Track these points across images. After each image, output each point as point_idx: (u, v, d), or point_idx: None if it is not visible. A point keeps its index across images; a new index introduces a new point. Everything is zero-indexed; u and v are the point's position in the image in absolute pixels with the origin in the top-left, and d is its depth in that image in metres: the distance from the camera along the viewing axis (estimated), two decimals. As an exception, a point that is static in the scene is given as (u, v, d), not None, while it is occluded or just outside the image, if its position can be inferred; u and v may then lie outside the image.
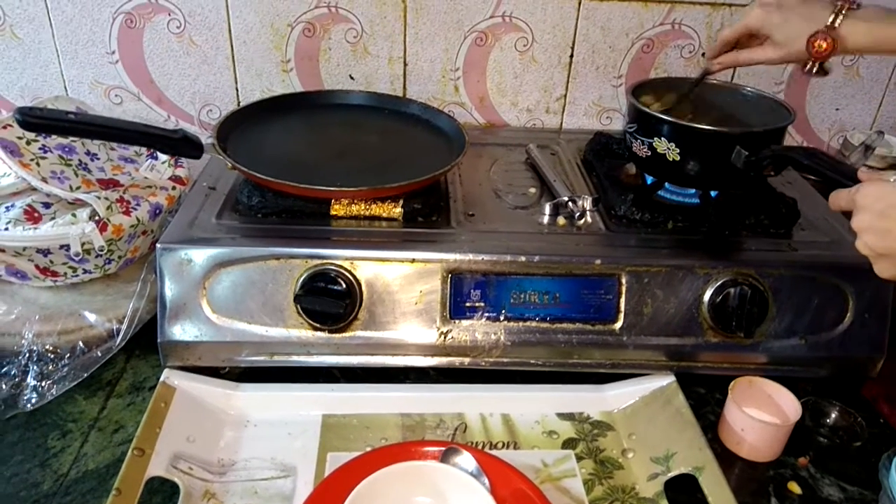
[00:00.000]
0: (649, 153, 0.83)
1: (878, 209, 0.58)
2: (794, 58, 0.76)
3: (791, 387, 0.75)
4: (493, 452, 0.70)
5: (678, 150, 0.80)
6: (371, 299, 0.75)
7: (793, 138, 1.19)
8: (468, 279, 0.76)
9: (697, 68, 1.10)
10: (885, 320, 0.79)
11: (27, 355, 0.77)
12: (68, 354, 0.79)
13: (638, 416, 0.77)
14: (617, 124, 1.15)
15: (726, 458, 0.74)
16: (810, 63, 0.75)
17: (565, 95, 1.12)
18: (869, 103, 1.15)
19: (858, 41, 0.72)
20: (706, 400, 0.82)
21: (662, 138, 0.81)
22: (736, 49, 0.81)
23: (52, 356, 0.78)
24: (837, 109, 1.16)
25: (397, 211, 0.80)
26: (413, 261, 0.75)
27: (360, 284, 0.74)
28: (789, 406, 0.75)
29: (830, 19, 0.71)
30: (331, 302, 0.72)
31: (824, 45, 0.72)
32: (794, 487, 0.71)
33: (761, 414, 0.75)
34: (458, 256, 0.75)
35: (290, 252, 0.73)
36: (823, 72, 0.76)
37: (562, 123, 1.15)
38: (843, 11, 0.71)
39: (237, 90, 1.08)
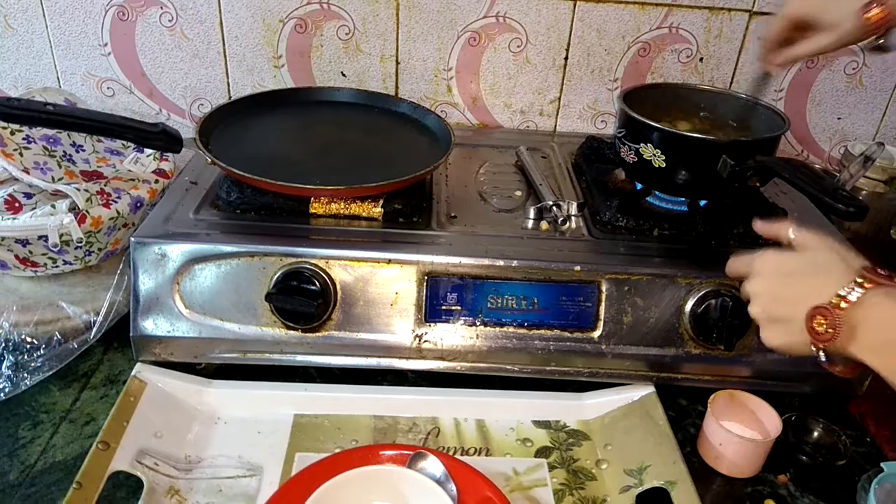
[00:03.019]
0: (636, 159, 0.82)
1: (778, 275, 0.57)
2: (850, 38, 0.70)
3: (776, 402, 0.74)
4: (465, 459, 0.69)
5: (664, 157, 0.79)
6: (345, 300, 0.74)
7: (793, 147, 1.16)
8: (445, 282, 0.74)
9: (695, 73, 1.09)
10: (873, 336, 0.77)
11: (3, 344, 0.77)
12: (44, 345, 0.79)
13: (615, 427, 0.75)
14: (612, 128, 1.13)
15: (704, 473, 0.72)
16: (871, 38, 0.69)
17: (559, 98, 1.11)
18: (872, 113, 1.13)
19: None
20: (687, 412, 0.80)
21: (649, 144, 0.80)
22: (788, 45, 0.76)
23: (29, 346, 0.78)
24: (839, 119, 1.14)
25: (377, 211, 0.79)
26: (389, 262, 0.74)
27: (334, 284, 0.73)
28: (770, 421, 0.73)
29: None
30: (303, 301, 0.71)
31: (878, 13, 0.67)
32: (772, 505, 0.70)
33: (741, 429, 0.74)
34: (434, 258, 0.74)
35: (264, 249, 0.73)
36: (886, 48, 0.71)
37: (555, 126, 1.13)
38: None
39: (228, 85, 1.08)
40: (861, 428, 0.80)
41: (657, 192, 0.86)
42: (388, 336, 0.75)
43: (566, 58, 1.07)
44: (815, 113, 1.13)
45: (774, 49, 0.77)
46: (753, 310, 0.59)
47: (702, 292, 0.74)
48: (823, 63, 1.08)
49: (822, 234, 0.58)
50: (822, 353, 0.54)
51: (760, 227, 0.64)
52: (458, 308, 0.75)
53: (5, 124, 0.83)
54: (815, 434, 0.77)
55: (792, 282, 0.56)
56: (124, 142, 0.95)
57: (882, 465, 0.68)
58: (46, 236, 0.78)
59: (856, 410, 0.82)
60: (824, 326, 0.52)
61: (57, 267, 0.82)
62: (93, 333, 0.80)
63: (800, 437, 0.77)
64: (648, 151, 0.80)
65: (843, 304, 0.51)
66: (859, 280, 0.51)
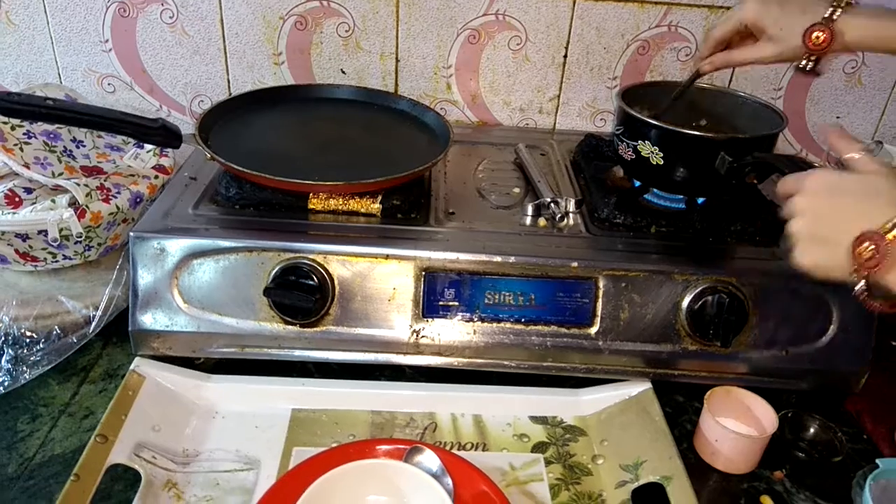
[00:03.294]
0: (634, 156, 0.82)
1: (826, 194, 0.55)
2: (789, 54, 0.74)
3: (773, 398, 0.74)
4: (461, 453, 0.69)
5: (662, 154, 0.79)
6: (343, 295, 0.74)
7: (792, 146, 1.17)
8: (442, 277, 0.75)
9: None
10: (869, 334, 0.78)
11: (2, 338, 0.77)
12: (44, 339, 0.79)
13: (612, 423, 0.76)
14: (611, 126, 1.13)
15: (701, 469, 0.73)
16: (805, 59, 0.73)
17: (559, 96, 1.11)
18: (871, 112, 1.13)
19: (856, 36, 0.70)
20: (684, 408, 0.80)
21: (647, 141, 0.80)
22: (728, 49, 0.79)
23: (28, 340, 0.79)
24: (838, 117, 1.14)
25: (375, 207, 0.79)
26: (387, 257, 0.74)
27: (332, 279, 0.74)
28: (766, 418, 0.73)
29: (829, 12, 0.70)
30: (301, 296, 0.71)
31: (822, 37, 0.70)
32: (767, 501, 0.70)
33: (737, 425, 0.74)
34: (432, 254, 0.74)
35: (262, 245, 0.73)
36: (817, 72, 0.74)
37: (555, 124, 1.14)
38: (843, 5, 0.69)
39: (228, 82, 1.08)
40: (857, 425, 0.80)
41: (655, 190, 0.86)
42: (386, 331, 0.76)
43: (565, 56, 1.08)
44: (814, 112, 1.13)
45: (715, 49, 0.80)
46: (795, 226, 0.57)
47: (698, 289, 0.75)
48: (830, 65, 1.08)
49: (881, 161, 0.56)
50: (862, 282, 0.53)
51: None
52: (456, 304, 0.76)
53: (6, 119, 0.84)
54: (812, 431, 0.77)
55: (842, 203, 0.55)
56: (124, 137, 0.96)
57: (877, 461, 0.68)
58: (46, 231, 0.78)
59: (852, 408, 0.82)
60: (871, 252, 0.51)
61: (56, 262, 0.82)
62: (92, 328, 0.80)
63: (796, 433, 0.77)
64: (646, 149, 0.80)
65: (889, 234, 0.50)
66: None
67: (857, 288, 0.53)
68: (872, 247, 0.50)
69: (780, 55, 0.74)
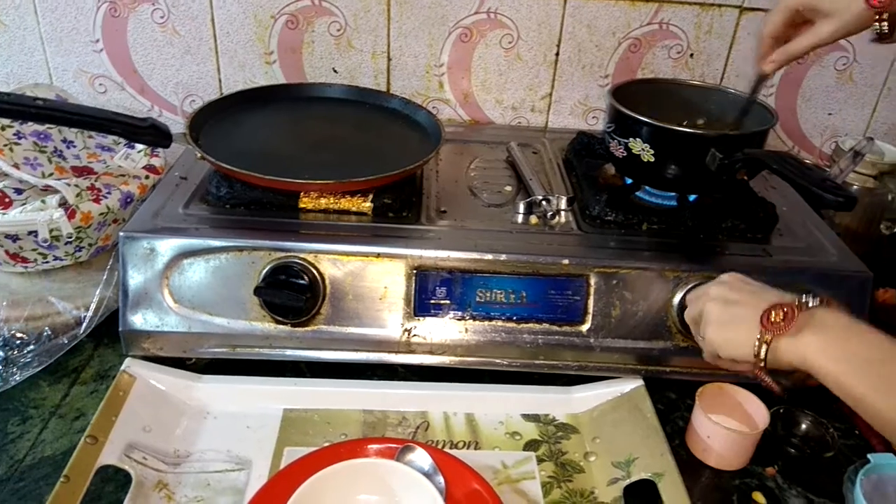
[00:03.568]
0: (625, 154, 0.82)
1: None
2: (853, 25, 0.67)
3: (766, 394, 0.74)
4: (453, 452, 0.69)
5: (653, 151, 0.79)
6: (334, 294, 0.74)
7: (784, 143, 1.17)
8: (434, 276, 0.75)
9: (685, 69, 1.09)
10: (860, 330, 0.77)
11: (-7, 340, 0.77)
12: (34, 340, 0.79)
13: (604, 420, 0.76)
14: (603, 124, 1.13)
15: (693, 466, 0.73)
16: (877, 23, 0.65)
17: (551, 94, 1.11)
18: (862, 109, 1.13)
19: None
20: (677, 405, 0.80)
21: (638, 139, 0.80)
22: (787, 42, 0.73)
23: (19, 342, 0.78)
24: (830, 114, 1.14)
25: (367, 205, 0.79)
26: (378, 256, 0.74)
27: (323, 278, 0.73)
28: (758, 414, 0.73)
29: None
30: (292, 295, 0.71)
31: None
32: (759, 498, 0.70)
33: (729, 421, 0.74)
34: (423, 252, 0.74)
35: (253, 244, 0.73)
36: (891, 37, 0.67)
37: (547, 122, 1.13)
38: None
39: (220, 81, 1.08)
40: (849, 421, 0.80)
41: (647, 187, 0.87)
42: (378, 330, 0.75)
43: (557, 54, 1.08)
44: (806, 109, 1.14)
45: (772, 46, 0.75)
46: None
47: (690, 285, 0.75)
48: (813, 59, 1.09)
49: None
50: (764, 347, 0.59)
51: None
52: (447, 302, 0.76)
53: (-4, 120, 0.83)
54: (804, 426, 0.77)
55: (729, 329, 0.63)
56: (115, 138, 0.96)
57: (869, 456, 0.69)
58: (36, 231, 0.78)
59: (846, 404, 0.82)
60: (782, 316, 0.58)
61: (47, 262, 0.82)
62: (83, 329, 0.80)
63: (788, 429, 0.77)
64: (637, 146, 0.80)
65: (758, 361, 0.59)
66: (760, 335, 0.58)
67: (760, 354, 0.59)
68: (783, 312, 0.58)
69: (842, 28, 0.68)
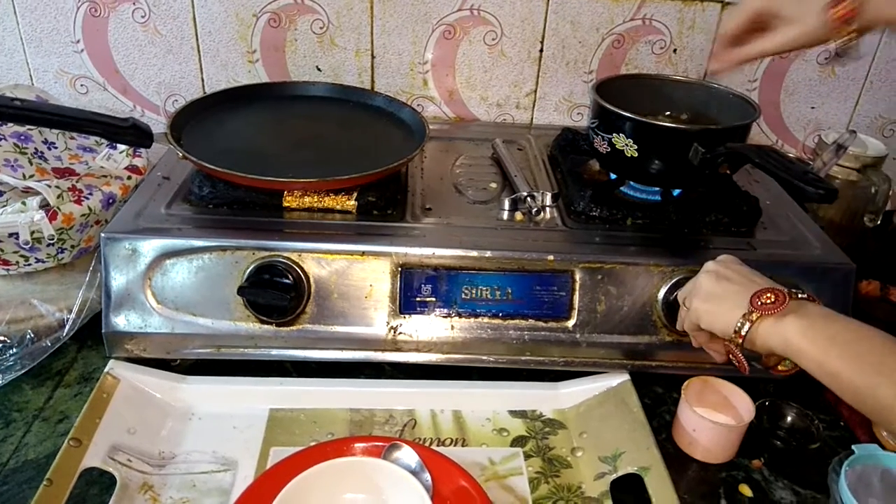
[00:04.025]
0: (609, 149, 0.82)
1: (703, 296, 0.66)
2: (811, 36, 0.67)
3: (752, 387, 0.74)
4: (441, 449, 0.69)
5: (636, 147, 0.79)
6: (319, 293, 0.74)
7: (767, 137, 1.17)
8: (419, 273, 0.75)
9: (669, 64, 1.09)
10: (844, 322, 0.78)
11: (-25, 344, 0.76)
12: (17, 343, 0.78)
13: (591, 415, 0.76)
14: (587, 120, 1.13)
15: (679, 459, 0.73)
16: (834, 40, 0.65)
17: (535, 90, 1.11)
18: (845, 102, 1.14)
19: (882, 3, 0.63)
20: (663, 399, 0.81)
21: (621, 134, 0.80)
22: (742, 44, 0.72)
23: (1, 345, 0.77)
24: (813, 108, 1.15)
25: (351, 203, 0.79)
26: (363, 254, 0.74)
27: (307, 277, 0.73)
28: (743, 407, 0.74)
29: None
30: (276, 294, 0.71)
31: (842, 11, 0.63)
32: (746, 490, 0.70)
33: (714, 414, 0.74)
34: (408, 250, 0.74)
35: (236, 243, 0.72)
36: (849, 53, 0.66)
37: (532, 119, 1.14)
38: None
39: (202, 80, 1.07)
40: (834, 412, 0.80)
41: (631, 182, 0.87)
42: (363, 329, 0.75)
43: (541, 50, 1.08)
44: (789, 102, 1.14)
45: (729, 46, 0.74)
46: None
47: (674, 280, 0.75)
48: (797, 53, 1.09)
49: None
50: (748, 325, 0.61)
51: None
52: (433, 299, 0.75)
53: (-26, 122, 0.82)
54: (789, 419, 0.77)
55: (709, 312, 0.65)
56: (97, 138, 0.95)
57: (853, 447, 0.69)
58: (17, 233, 0.77)
59: (831, 396, 0.82)
60: (771, 299, 0.60)
61: (29, 265, 0.81)
62: (66, 331, 0.79)
63: (773, 422, 0.77)
64: (621, 141, 0.80)
65: (738, 340, 0.61)
66: (746, 313, 0.60)
67: (742, 331, 0.61)
68: (774, 296, 0.60)
69: (802, 38, 0.67)
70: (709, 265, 0.67)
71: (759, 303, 0.60)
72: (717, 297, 0.64)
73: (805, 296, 0.60)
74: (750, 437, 0.73)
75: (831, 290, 0.77)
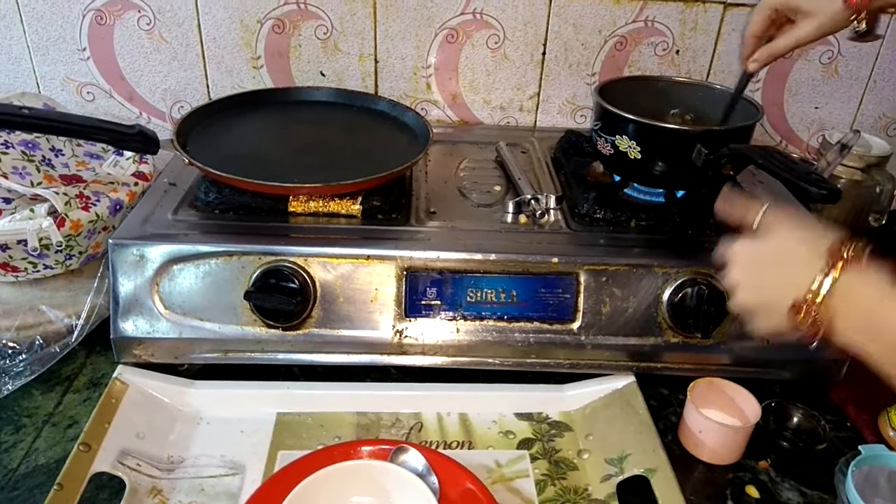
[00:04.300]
0: (612, 151, 0.83)
1: (750, 266, 0.56)
2: (831, 25, 0.69)
3: (758, 389, 0.74)
4: (447, 452, 0.69)
5: (639, 149, 0.80)
6: (325, 297, 0.74)
7: (772, 138, 1.17)
8: (424, 277, 0.75)
9: (671, 66, 1.09)
10: (849, 322, 0.78)
11: (-16, 350, 0.77)
12: (26, 349, 0.79)
13: (597, 417, 0.76)
14: (590, 123, 1.14)
15: (686, 461, 0.73)
16: (854, 22, 0.68)
17: (538, 93, 1.11)
18: (848, 102, 1.14)
19: None
20: (669, 401, 0.81)
21: (624, 136, 0.80)
22: (770, 41, 0.75)
23: (11, 351, 0.78)
24: (816, 108, 1.15)
25: (356, 208, 0.79)
26: (368, 258, 0.74)
27: (313, 281, 0.74)
28: (749, 408, 0.74)
29: None
30: (282, 299, 0.71)
31: None
32: (752, 491, 0.70)
33: (720, 416, 0.74)
34: (413, 254, 0.74)
35: (242, 249, 0.73)
36: (873, 34, 0.69)
37: (535, 121, 1.14)
38: None
39: (208, 87, 1.08)
40: (841, 413, 0.80)
41: (635, 184, 0.87)
42: (369, 332, 0.76)
43: (544, 53, 1.08)
44: (793, 103, 1.14)
45: (755, 46, 0.77)
46: (734, 303, 0.57)
47: (678, 281, 0.75)
48: (799, 53, 1.09)
49: (787, 214, 0.57)
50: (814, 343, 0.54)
51: (721, 210, 0.61)
52: (438, 303, 0.76)
53: (-18, 130, 0.83)
54: (795, 420, 0.77)
55: (767, 272, 0.55)
56: (104, 145, 0.95)
57: (860, 447, 0.69)
58: (26, 240, 0.77)
59: (837, 396, 0.82)
60: (806, 320, 0.51)
61: (38, 271, 0.82)
62: (74, 337, 0.80)
63: (780, 423, 0.77)
64: (624, 143, 0.81)
65: (817, 299, 0.50)
66: (826, 269, 0.50)
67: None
68: (805, 316, 0.51)
69: (822, 27, 0.70)
70: (730, 279, 0.58)
71: (803, 327, 0.52)
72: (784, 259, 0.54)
73: (836, 271, 0.51)
74: (756, 438, 0.73)
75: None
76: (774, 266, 0.55)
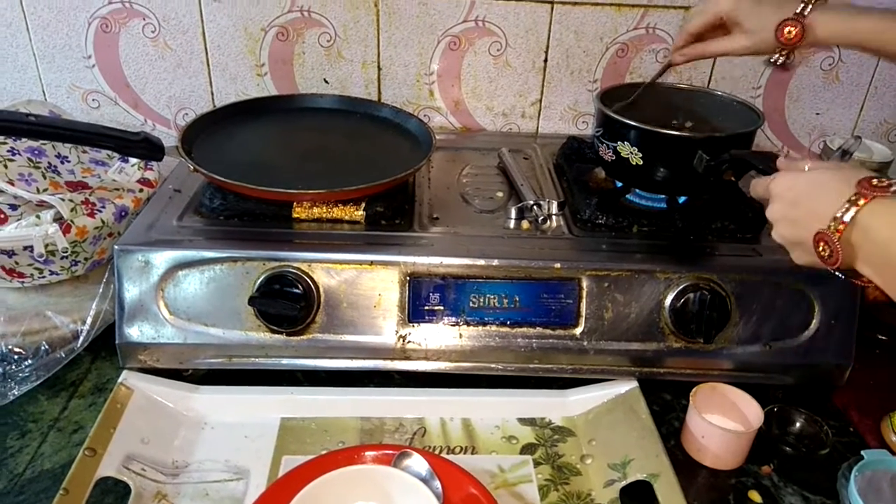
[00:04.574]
0: (614, 157, 0.83)
1: (789, 198, 0.57)
2: (761, 47, 0.76)
3: (761, 394, 0.75)
4: (450, 457, 0.70)
5: (641, 155, 0.80)
6: (329, 302, 0.75)
7: (773, 143, 1.18)
8: (427, 282, 0.75)
9: (673, 72, 1.10)
10: (851, 327, 0.78)
11: (-10, 356, 0.78)
12: (32, 355, 0.79)
13: (599, 422, 0.76)
14: (592, 129, 1.14)
15: (689, 466, 0.73)
16: (777, 54, 0.75)
17: (540, 100, 1.12)
18: (849, 108, 1.14)
19: (827, 31, 0.72)
20: (672, 406, 0.81)
21: (626, 142, 0.81)
22: (702, 41, 0.80)
23: (16, 356, 0.79)
24: (818, 114, 1.15)
25: (359, 214, 0.80)
26: (371, 263, 0.75)
27: (317, 287, 0.74)
28: (752, 413, 0.74)
29: (800, 7, 0.72)
30: (286, 304, 0.72)
31: (794, 33, 0.72)
32: (755, 496, 0.70)
33: (723, 421, 0.75)
34: (416, 259, 0.75)
35: (247, 254, 0.73)
36: (786, 66, 0.76)
37: (538, 128, 1.14)
38: (814, 1, 0.72)
39: (212, 94, 1.09)
40: (844, 418, 0.80)
41: (636, 190, 0.87)
42: (373, 337, 0.76)
43: (545, 60, 1.09)
44: (794, 109, 1.15)
45: (688, 41, 0.81)
46: (773, 234, 0.60)
47: (681, 286, 0.75)
48: (800, 60, 1.10)
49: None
50: (837, 273, 0.55)
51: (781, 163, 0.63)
52: (441, 308, 0.76)
53: (-10, 137, 0.84)
54: (798, 425, 0.77)
55: (799, 205, 0.57)
56: (109, 152, 0.96)
57: (862, 452, 0.69)
58: (32, 246, 0.78)
59: (840, 402, 0.82)
60: (827, 251, 0.53)
61: (43, 277, 0.83)
62: (80, 342, 0.80)
63: (783, 428, 0.77)
64: (626, 149, 0.81)
65: (840, 227, 0.52)
66: (853, 197, 0.51)
67: (838, 276, 0.56)
68: (827, 246, 0.53)
69: (752, 47, 0.76)
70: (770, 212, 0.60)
71: (823, 257, 0.54)
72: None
73: (863, 200, 0.51)
74: (759, 443, 0.73)
75: (838, 296, 0.77)
76: (808, 199, 0.56)
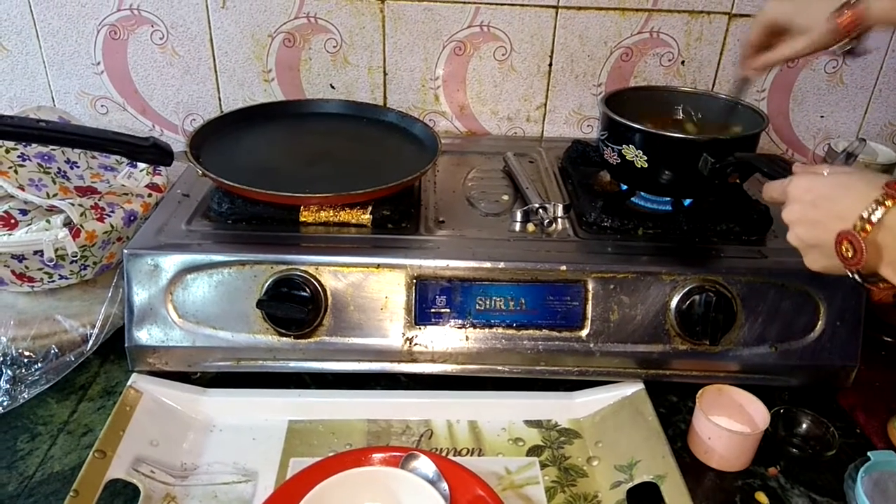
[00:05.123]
0: (619, 160, 0.83)
1: (808, 200, 0.57)
2: (822, 42, 0.73)
3: (767, 395, 0.75)
4: (457, 459, 0.70)
5: (646, 158, 0.80)
6: (336, 305, 0.75)
7: (778, 146, 1.18)
8: (433, 285, 0.76)
9: (677, 76, 1.11)
10: (857, 329, 0.78)
11: (1, 359, 0.78)
12: (42, 358, 0.80)
13: (606, 424, 0.76)
14: (597, 132, 1.15)
15: (695, 468, 0.73)
16: (843, 41, 0.72)
17: (545, 104, 1.13)
18: (854, 111, 1.15)
19: (880, 11, 0.69)
20: (678, 408, 0.81)
21: (631, 145, 0.81)
22: (769, 48, 0.79)
23: (26, 360, 0.79)
24: (822, 117, 1.15)
25: (366, 217, 0.80)
26: (378, 266, 0.75)
27: (324, 290, 0.75)
28: (758, 415, 0.74)
29: None
30: (294, 307, 0.72)
31: (848, 17, 0.70)
32: (762, 498, 0.70)
33: (730, 422, 0.75)
34: (423, 262, 0.75)
35: (254, 258, 0.74)
36: (857, 53, 0.74)
37: (542, 132, 1.15)
38: None
39: (220, 100, 1.09)
40: (850, 419, 0.80)
41: (642, 193, 0.88)
42: (380, 340, 0.76)
43: (550, 64, 1.09)
44: (798, 112, 1.15)
45: (752, 54, 0.80)
46: (790, 236, 0.60)
47: (686, 288, 0.76)
48: (804, 63, 1.10)
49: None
50: (856, 276, 0.55)
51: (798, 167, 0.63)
52: (448, 310, 0.77)
53: (2, 143, 0.85)
54: (804, 426, 0.77)
55: (820, 206, 0.56)
56: (118, 157, 0.97)
57: (869, 454, 0.69)
58: (42, 251, 0.79)
59: (845, 403, 0.82)
60: (851, 251, 0.53)
61: (53, 281, 0.83)
62: (89, 346, 0.81)
63: (789, 429, 0.77)
64: (631, 152, 0.82)
65: (867, 227, 0.51)
66: (880, 198, 0.51)
67: (856, 281, 0.55)
68: (851, 246, 0.53)
69: (813, 45, 0.74)
70: (787, 214, 0.60)
71: (845, 258, 0.53)
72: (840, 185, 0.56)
73: (890, 202, 0.52)
74: (765, 444, 0.73)
75: (843, 297, 0.77)
76: (829, 201, 0.56)
